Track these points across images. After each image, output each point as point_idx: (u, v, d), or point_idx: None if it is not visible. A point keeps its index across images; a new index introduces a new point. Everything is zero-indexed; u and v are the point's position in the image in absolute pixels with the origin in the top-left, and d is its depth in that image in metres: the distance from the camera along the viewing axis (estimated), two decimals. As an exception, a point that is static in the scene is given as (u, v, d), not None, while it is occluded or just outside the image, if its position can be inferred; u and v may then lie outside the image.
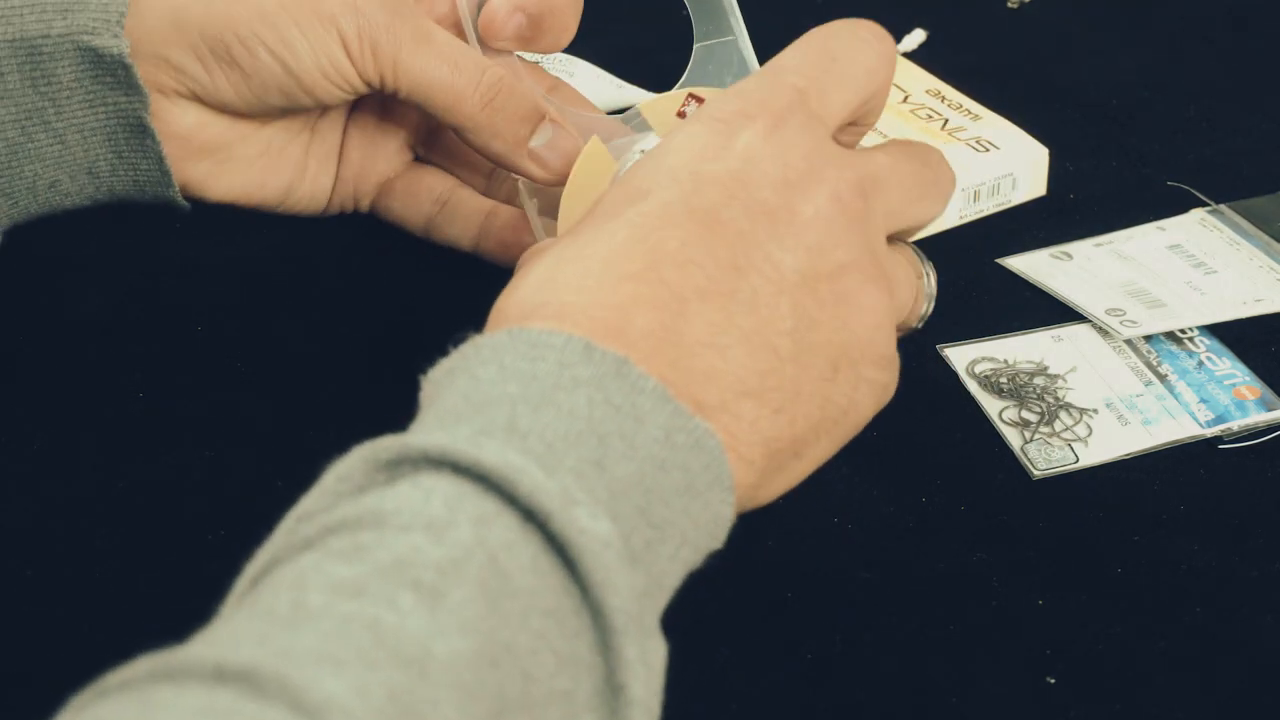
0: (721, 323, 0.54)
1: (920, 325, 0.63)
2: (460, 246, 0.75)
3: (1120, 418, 0.71)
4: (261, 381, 0.72)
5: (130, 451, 0.69)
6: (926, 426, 0.71)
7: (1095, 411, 0.71)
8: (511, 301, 0.54)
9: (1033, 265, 0.78)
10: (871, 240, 0.57)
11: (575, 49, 0.86)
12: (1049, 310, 0.76)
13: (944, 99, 0.84)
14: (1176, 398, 0.72)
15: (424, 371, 0.53)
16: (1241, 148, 0.87)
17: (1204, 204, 0.81)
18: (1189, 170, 0.84)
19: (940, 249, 0.79)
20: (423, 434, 0.49)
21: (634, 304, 0.53)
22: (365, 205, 0.76)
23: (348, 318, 0.76)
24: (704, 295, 0.54)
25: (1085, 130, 0.89)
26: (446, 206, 0.75)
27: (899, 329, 0.60)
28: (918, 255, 0.62)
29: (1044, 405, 0.71)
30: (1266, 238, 0.79)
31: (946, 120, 0.83)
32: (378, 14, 0.67)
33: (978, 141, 0.82)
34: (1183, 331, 0.74)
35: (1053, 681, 0.60)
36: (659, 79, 0.86)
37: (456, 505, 0.47)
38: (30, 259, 0.77)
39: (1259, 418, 0.71)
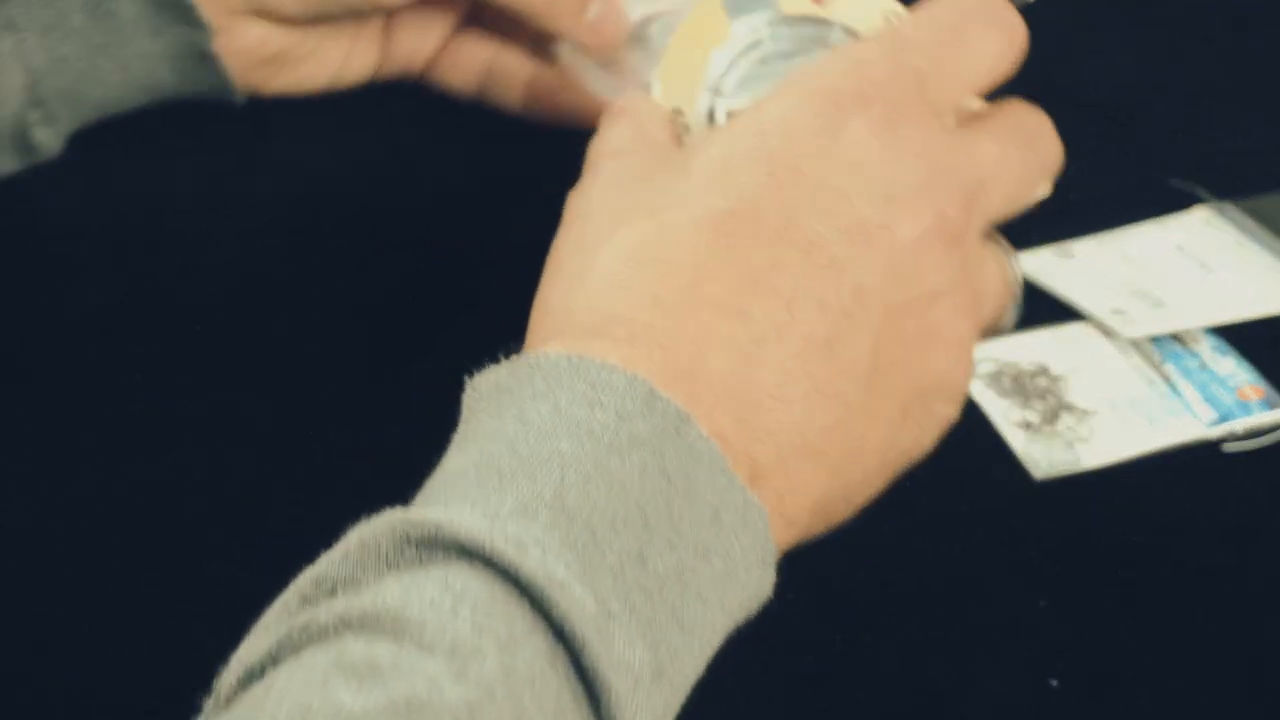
0: (795, 370, 0.50)
1: (1008, 326, 0.58)
2: (512, 111, 0.75)
3: (1123, 418, 0.71)
4: (261, 381, 0.72)
5: (130, 451, 0.69)
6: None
7: (1097, 412, 0.71)
8: (579, 302, 0.50)
9: (1035, 264, 0.78)
10: (969, 258, 0.54)
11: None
12: (1051, 310, 0.76)
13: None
14: (1180, 398, 0.71)
15: (470, 372, 0.50)
16: (1242, 147, 0.87)
17: (1207, 203, 0.81)
18: (1190, 170, 0.83)
19: (942, 249, 0.79)
20: (461, 510, 0.45)
21: (710, 340, 0.49)
22: (415, 74, 0.77)
23: (348, 318, 0.76)
24: (782, 335, 0.50)
25: (1086, 130, 0.89)
26: (493, 73, 0.75)
27: (983, 335, 0.57)
28: (1004, 250, 0.57)
29: (1046, 405, 0.71)
30: (1271, 236, 0.79)
31: (948, 119, 0.82)
32: None
33: (980, 141, 0.81)
34: (1186, 331, 0.74)
35: (1055, 683, 0.60)
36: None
37: (485, 623, 0.43)
38: (30, 259, 0.77)
39: (1263, 418, 0.70)
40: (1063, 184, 0.83)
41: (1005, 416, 0.71)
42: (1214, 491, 0.68)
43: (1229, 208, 0.81)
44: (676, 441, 0.47)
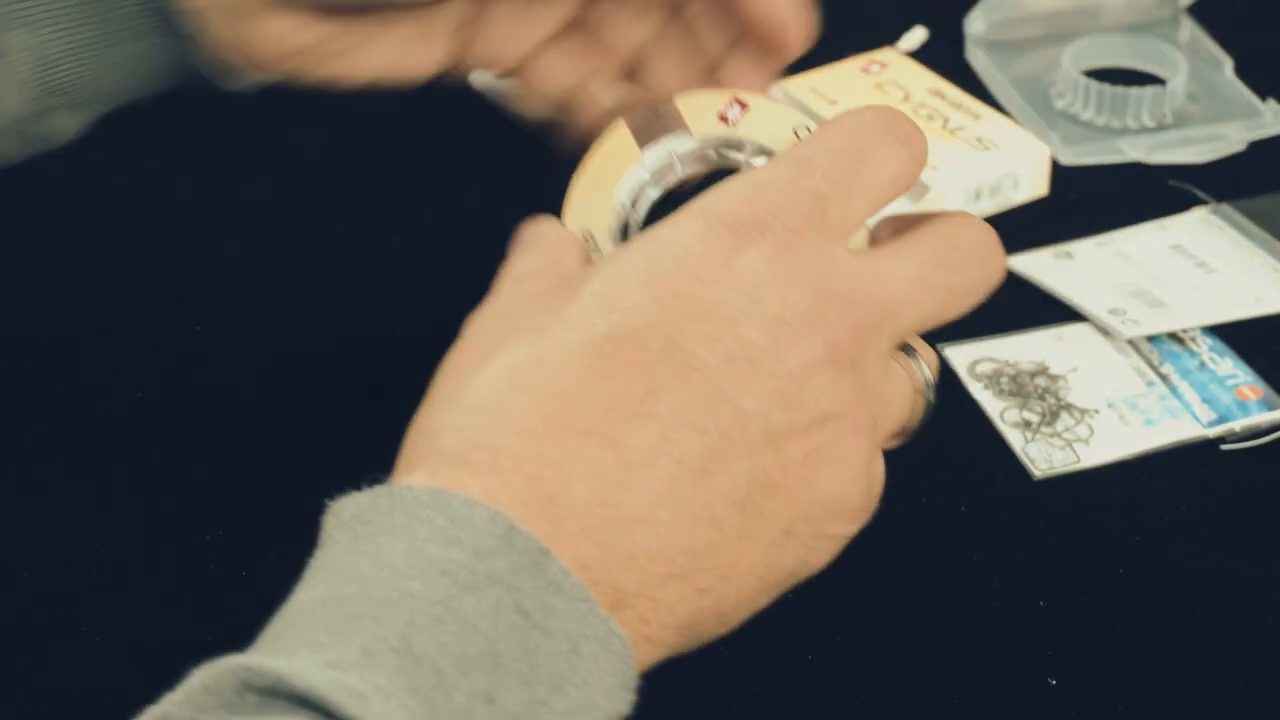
0: (664, 494, 0.49)
1: (920, 428, 0.58)
2: (571, 141, 0.67)
3: (1122, 418, 0.71)
4: (261, 381, 0.72)
5: (130, 451, 0.69)
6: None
7: (1097, 412, 0.71)
8: (448, 425, 0.50)
9: (1034, 265, 0.78)
10: (865, 381, 0.53)
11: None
12: (1050, 310, 0.76)
13: (945, 98, 0.84)
14: (1178, 398, 0.71)
15: (333, 497, 0.49)
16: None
17: (1205, 203, 0.81)
18: (1190, 169, 0.83)
19: (941, 249, 0.79)
20: (306, 656, 0.44)
21: (577, 467, 0.48)
22: (499, 72, 0.69)
23: (347, 318, 0.76)
24: (654, 458, 0.49)
25: (1087, 130, 0.89)
26: (577, 95, 0.67)
27: (894, 439, 0.57)
28: (914, 354, 0.57)
29: (1045, 405, 0.71)
30: (1269, 237, 0.79)
31: (948, 119, 0.83)
32: None
33: (979, 140, 0.81)
34: (1184, 331, 0.74)
35: (1054, 682, 0.60)
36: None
37: None
38: (30, 259, 0.77)
39: (1261, 418, 0.71)
40: (1064, 184, 0.83)
41: (1005, 416, 0.71)
42: (1213, 491, 0.68)
43: (1227, 208, 0.81)
44: (535, 576, 0.47)
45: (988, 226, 0.57)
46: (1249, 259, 0.78)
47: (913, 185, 0.56)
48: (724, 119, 0.61)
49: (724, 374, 0.50)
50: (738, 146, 0.61)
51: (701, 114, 0.61)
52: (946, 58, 0.89)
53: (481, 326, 0.54)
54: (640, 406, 0.49)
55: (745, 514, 0.51)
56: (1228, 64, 0.88)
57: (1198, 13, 0.90)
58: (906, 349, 0.56)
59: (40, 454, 0.69)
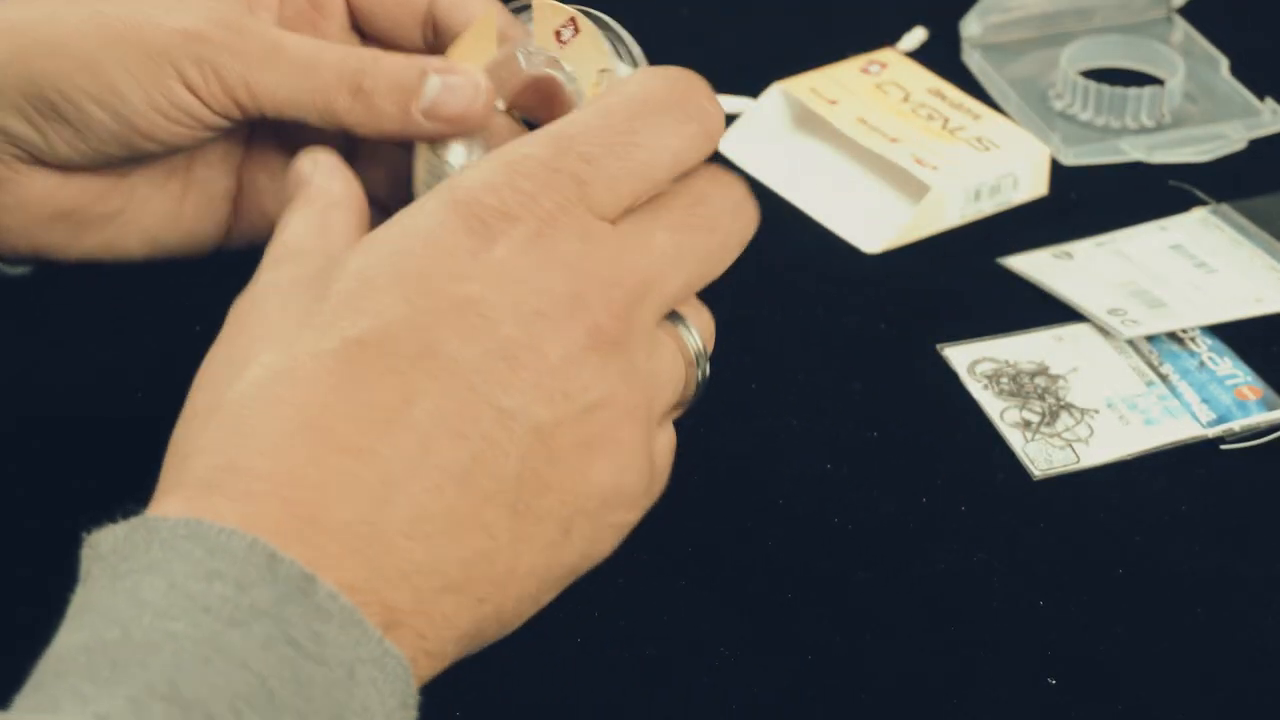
0: (429, 505, 0.48)
1: (697, 396, 0.56)
2: None
3: (1121, 418, 0.71)
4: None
5: (130, 451, 0.69)
6: (926, 426, 0.70)
7: (1096, 412, 0.71)
8: (201, 446, 0.48)
9: (1034, 265, 0.78)
10: (632, 363, 0.51)
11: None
12: (1050, 310, 0.76)
13: (945, 98, 0.84)
14: (1178, 398, 0.71)
15: (89, 530, 0.48)
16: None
17: (1205, 203, 0.81)
18: (1190, 169, 0.83)
19: (940, 249, 0.79)
20: (71, 709, 0.42)
21: (337, 486, 0.47)
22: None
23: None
24: (415, 471, 0.48)
25: (1086, 130, 0.89)
26: None
27: (672, 413, 0.55)
28: (687, 318, 0.55)
29: (1045, 405, 0.71)
30: (1268, 237, 0.79)
31: (948, 119, 0.83)
32: (217, 37, 0.58)
33: (979, 140, 0.81)
34: (1184, 331, 0.74)
35: (1053, 682, 0.60)
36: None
37: None
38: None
39: (1260, 418, 0.71)
40: (1063, 184, 0.83)
41: (1005, 417, 0.71)
42: (1212, 491, 0.68)
43: (1227, 208, 0.81)
44: (303, 604, 0.45)
45: (735, 178, 0.56)
46: (1249, 259, 0.78)
47: (705, 157, 0.53)
48: (559, 36, 0.59)
49: (481, 374, 0.49)
50: (562, 69, 0.59)
51: (546, 23, 0.60)
52: (946, 58, 0.89)
53: (238, 322, 0.52)
54: (396, 415, 0.48)
55: (518, 516, 0.49)
56: (1223, 63, 0.88)
57: (1189, 13, 0.91)
58: (676, 317, 0.54)
59: (40, 454, 0.69)
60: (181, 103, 0.58)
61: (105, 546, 0.47)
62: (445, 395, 0.49)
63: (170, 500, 0.48)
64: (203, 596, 0.44)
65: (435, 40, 0.63)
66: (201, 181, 0.64)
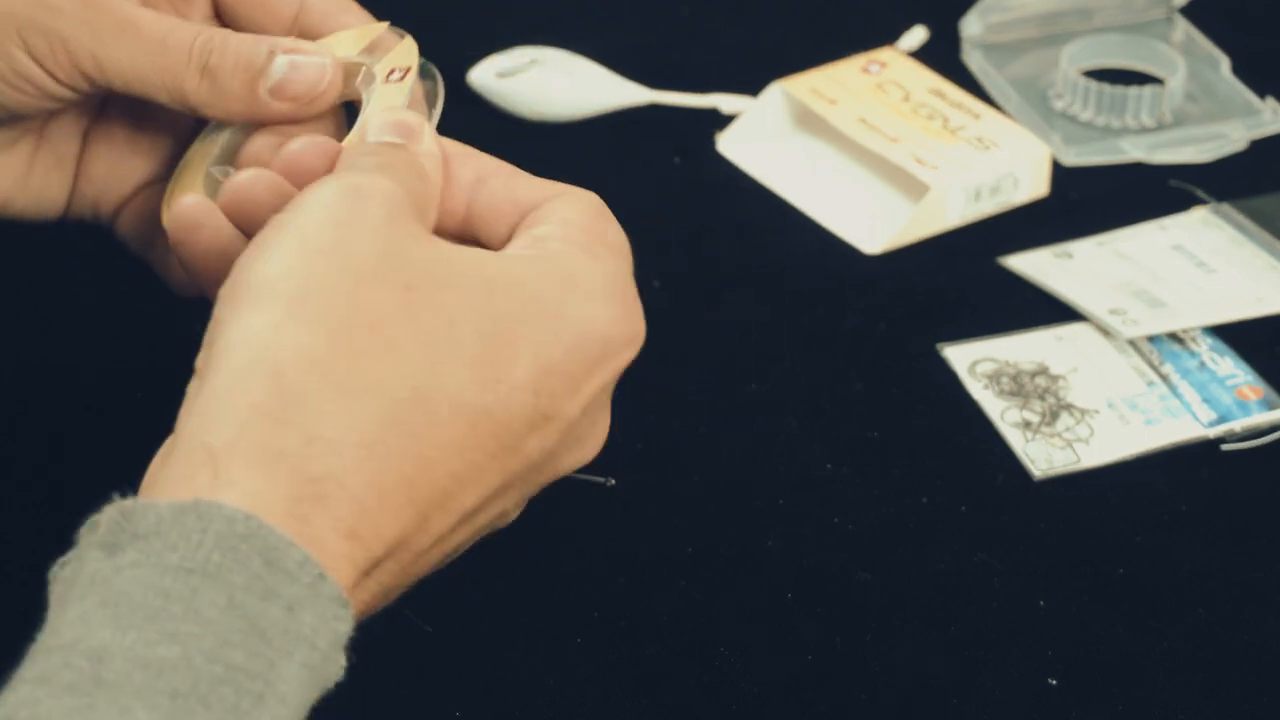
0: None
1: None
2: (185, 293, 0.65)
3: (1122, 418, 0.71)
4: (261, 381, 0.72)
5: (130, 451, 0.69)
6: (926, 426, 0.70)
7: (1097, 412, 0.71)
8: (286, 433, 0.52)
9: (1034, 265, 0.78)
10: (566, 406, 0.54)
11: (577, 47, 0.86)
12: (1050, 310, 0.76)
13: (945, 98, 0.84)
14: (1179, 398, 0.71)
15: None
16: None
17: (1205, 203, 0.81)
18: (1190, 169, 0.83)
19: (940, 249, 0.79)
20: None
21: (402, 532, 0.50)
22: (106, 218, 0.66)
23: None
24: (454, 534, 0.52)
25: (1087, 129, 0.89)
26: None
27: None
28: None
29: (1045, 405, 0.71)
30: (1269, 237, 0.79)
31: (948, 119, 0.83)
32: (67, 9, 0.58)
33: (979, 140, 0.81)
34: (1185, 331, 0.74)
35: (1054, 683, 0.60)
36: (660, 77, 0.86)
37: None
38: (30, 259, 0.77)
39: (1261, 418, 0.71)
40: (1064, 183, 0.83)
41: (1005, 417, 0.71)
42: (1213, 491, 0.68)
43: (1227, 208, 0.81)
44: (333, 629, 0.48)
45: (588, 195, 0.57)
46: (1249, 259, 0.78)
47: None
48: (390, 77, 0.61)
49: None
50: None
51: (391, 64, 0.61)
52: (947, 58, 0.89)
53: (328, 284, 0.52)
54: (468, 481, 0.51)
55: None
56: (1224, 63, 0.88)
57: (1189, 13, 0.90)
58: None
59: (40, 454, 0.69)
60: (26, 72, 0.59)
61: (147, 525, 0.51)
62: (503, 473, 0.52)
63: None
64: (259, 617, 0.47)
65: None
66: (52, 142, 0.64)
